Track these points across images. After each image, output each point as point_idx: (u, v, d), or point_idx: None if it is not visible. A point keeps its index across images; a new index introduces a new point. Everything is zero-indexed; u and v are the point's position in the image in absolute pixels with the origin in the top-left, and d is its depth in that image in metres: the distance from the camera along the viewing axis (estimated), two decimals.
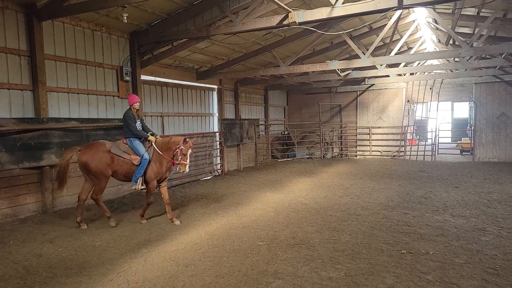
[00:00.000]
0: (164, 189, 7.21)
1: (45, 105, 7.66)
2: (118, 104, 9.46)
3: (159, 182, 7.19)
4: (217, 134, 13.82)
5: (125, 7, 7.35)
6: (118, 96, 9.43)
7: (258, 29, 8.20)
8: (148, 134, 7.05)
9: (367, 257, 5.05)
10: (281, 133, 19.13)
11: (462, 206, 7.89)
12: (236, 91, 15.32)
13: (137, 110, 7.18)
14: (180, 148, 6.82)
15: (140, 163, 6.84)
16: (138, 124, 7.07)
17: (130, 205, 8.60)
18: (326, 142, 18.67)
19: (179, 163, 6.91)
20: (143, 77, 10.22)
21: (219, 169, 13.78)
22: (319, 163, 16.10)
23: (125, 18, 7.72)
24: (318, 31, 9.02)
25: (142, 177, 6.90)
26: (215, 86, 14.07)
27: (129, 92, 9.64)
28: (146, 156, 6.88)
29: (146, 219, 7.21)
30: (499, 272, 4.49)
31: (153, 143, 7.02)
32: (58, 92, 8.05)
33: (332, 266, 4.79)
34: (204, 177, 12.93)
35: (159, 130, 11.16)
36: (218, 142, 13.81)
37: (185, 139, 6.87)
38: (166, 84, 11.54)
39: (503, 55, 11.60)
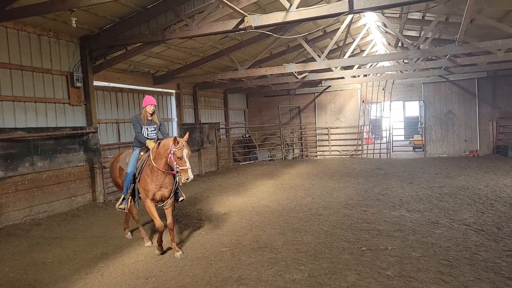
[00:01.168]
0: (168, 211, 5.75)
1: None
2: (69, 112, 9.00)
3: (161, 200, 5.76)
4: None
5: (73, 11, 7.01)
6: (69, 103, 8.97)
7: (215, 33, 8.14)
8: (147, 139, 5.85)
9: (329, 257, 5.13)
10: (242, 136, 19.14)
11: (416, 201, 8.26)
12: (195, 95, 15.13)
13: (152, 113, 5.97)
14: (171, 151, 5.34)
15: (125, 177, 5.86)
16: (152, 130, 5.97)
17: (84, 217, 8.19)
18: (287, 144, 18.91)
19: (177, 172, 5.40)
20: (96, 82, 9.81)
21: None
22: (280, 165, 16.26)
23: (74, 22, 7.37)
24: (274, 35, 9.12)
25: (128, 194, 5.76)
26: (173, 91, 13.81)
27: (80, 99, 9.20)
28: (129, 169, 5.77)
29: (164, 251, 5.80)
30: (453, 264, 4.72)
31: (150, 151, 5.73)
32: (2, 101, 7.51)
33: (295, 268, 4.81)
34: None
35: (114, 137, 10.75)
36: None
37: (175, 138, 5.35)
38: (121, 89, 11.14)
39: (447, 56, 12.32)
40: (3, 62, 7.54)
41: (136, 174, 5.74)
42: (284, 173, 13.70)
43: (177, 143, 5.32)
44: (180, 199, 6.15)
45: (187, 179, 5.34)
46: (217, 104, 17.32)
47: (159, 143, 5.66)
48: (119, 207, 5.86)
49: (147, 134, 5.93)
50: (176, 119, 13.92)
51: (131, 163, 5.79)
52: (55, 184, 8.52)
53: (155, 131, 6.06)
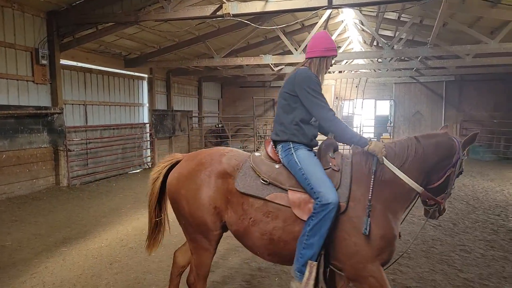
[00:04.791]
0: None
1: None
2: (33, 90, 8.56)
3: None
4: (147, 125, 13.25)
5: None
6: (33, 81, 8.53)
7: (191, 18, 7.96)
8: (359, 135, 2.88)
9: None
10: (215, 125, 18.99)
11: None
12: (168, 81, 14.81)
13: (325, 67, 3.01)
14: (458, 161, 2.80)
15: (316, 215, 2.58)
16: None
17: (46, 201, 7.87)
18: (260, 136, 18.94)
19: (435, 204, 2.90)
20: (63, 61, 9.38)
21: (149, 162, 13.24)
22: None
23: None
24: (252, 24, 9.03)
25: (321, 255, 2.66)
26: (146, 75, 13.45)
27: (46, 77, 8.75)
28: (331, 194, 2.60)
29: None
30: (411, 256, 4.92)
31: (383, 158, 2.73)
32: None
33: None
34: (133, 170, 12.34)
35: (81, 119, 10.36)
36: (148, 134, 13.26)
37: (474, 135, 2.81)
38: (90, 70, 10.72)
39: (419, 58, 12.70)
40: None
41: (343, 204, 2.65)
42: None
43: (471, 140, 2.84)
44: None
45: (442, 212, 2.99)
46: (191, 91, 17.05)
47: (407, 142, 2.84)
48: None
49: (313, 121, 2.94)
50: (147, 105, 13.58)
51: (322, 179, 2.67)
52: (15, 165, 8.11)
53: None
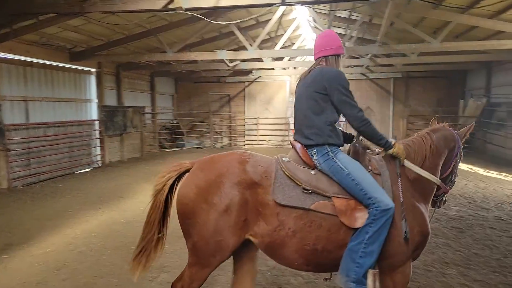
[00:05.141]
0: None
1: None
2: None
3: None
4: (96, 122, 12.63)
5: None
6: None
7: (141, 11, 7.63)
8: (386, 137, 2.82)
9: None
10: (170, 122, 18.53)
11: None
12: (118, 76, 14.20)
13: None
14: (458, 151, 3.04)
15: (376, 222, 2.51)
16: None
17: None
18: (216, 132, 18.78)
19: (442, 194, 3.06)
20: (0, 54, 8.66)
21: (98, 161, 12.65)
22: (208, 153, 15.92)
23: None
24: (206, 19, 8.88)
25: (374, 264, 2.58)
26: (94, 69, 12.79)
27: None
28: (387, 199, 2.57)
29: None
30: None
31: (403, 160, 2.81)
32: None
33: None
34: (81, 170, 11.71)
35: (22, 117, 9.64)
36: (97, 131, 12.65)
37: (470, 127, 3.14)
38: (31, 64, 9.98)
39: (369, 55, 13.20)
40: None
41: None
42: None
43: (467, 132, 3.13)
44: None
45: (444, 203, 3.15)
46: (142, 87, 16.48)
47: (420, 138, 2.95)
48: None
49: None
50: (96, 101, 12.93)
51: (374, 184, 2.61)
52: None
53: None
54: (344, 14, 12.60)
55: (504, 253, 4.86)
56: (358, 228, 2.52)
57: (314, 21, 13.28)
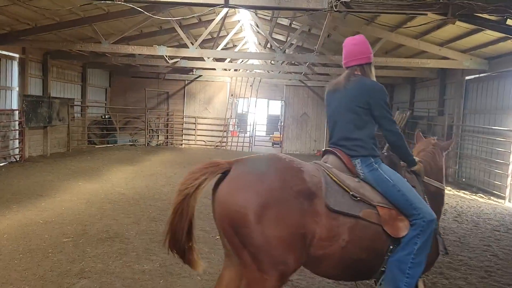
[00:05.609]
0: None
1: None
2: None
3: None
4: (17, 112, 11.52)
5: None
6: None
7: None
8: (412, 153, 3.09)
9: None
10: (101, 116, 17.51)
11: None
12: (46, 64, 13.09)
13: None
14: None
15: (423, 232, 2.60)
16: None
17: None
18: (152, 129, 18.14)
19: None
20: None
21: (16, 155, 11.53)
22: (142, 151, 15.49)
23: None
24: (146, 12, 8.53)
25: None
26: (16, 55, 11.65)
27: None
28: (431, 212, 2.69)
29: None
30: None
31: (423, 176, 3.06)
32: None
33: (146, 258, 4.61)
34: None
35: None
36: (17, 122, 11.54)
37: (450, 142, 3.62)
38: None
39: (307, 63, 13.69)
40: None
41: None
42: (146, 160, 13.10)
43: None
44: None
45: None
46: (73, 77, 15.39)
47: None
48: None
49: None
50: (17, 89, 11.80)
51: (418, 196, 2.74)
52: None
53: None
54: (285, 22, 12.94)
55: None
56: (396, 238, 2.57)
57: (257, 25, 13.46)
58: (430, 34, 9.61)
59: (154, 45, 11.26)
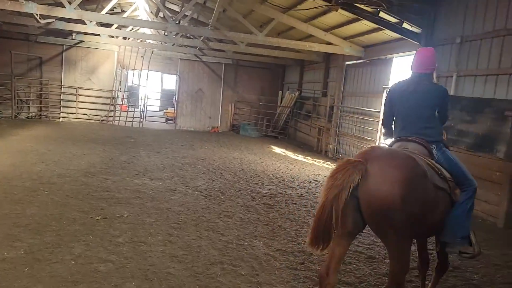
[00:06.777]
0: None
1: None
2: None
3: None
4: None
5: None
6: None
7: None
8: None
9: (56, 229, 4.53)
10: None
11: (160, 169, 8.55)
12: None
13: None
14: None
15: (472, 196, 3.42)
16: None
17: None
18: (21, 100, 15.67)
19: None
20: None
21: None
22: (8, 124, 13.35)
23: None
24: None
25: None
26: None
27: None
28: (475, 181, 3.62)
29: None
30: (182, 226, 5.12)
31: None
32: None
33: (9, 245, 4.00)
34: None
35: None
36: None
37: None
38: None
39: (202, 37, 13.33)
40: None
41: None
42: (13, 135, 11.32)
43: None
44: None
45: None
46: None
47: None
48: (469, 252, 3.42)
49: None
50: None
51: (467, 170, 3.56)
52: None
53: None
54: None
55: (301, 224, 5.68)
56: (454, 202, 3.31)
57: None
58: (317, 19, 10.19)
59: (20, 0, 9.56)
